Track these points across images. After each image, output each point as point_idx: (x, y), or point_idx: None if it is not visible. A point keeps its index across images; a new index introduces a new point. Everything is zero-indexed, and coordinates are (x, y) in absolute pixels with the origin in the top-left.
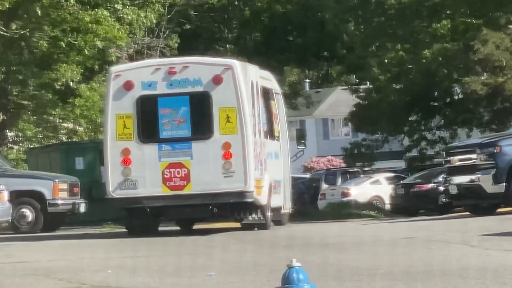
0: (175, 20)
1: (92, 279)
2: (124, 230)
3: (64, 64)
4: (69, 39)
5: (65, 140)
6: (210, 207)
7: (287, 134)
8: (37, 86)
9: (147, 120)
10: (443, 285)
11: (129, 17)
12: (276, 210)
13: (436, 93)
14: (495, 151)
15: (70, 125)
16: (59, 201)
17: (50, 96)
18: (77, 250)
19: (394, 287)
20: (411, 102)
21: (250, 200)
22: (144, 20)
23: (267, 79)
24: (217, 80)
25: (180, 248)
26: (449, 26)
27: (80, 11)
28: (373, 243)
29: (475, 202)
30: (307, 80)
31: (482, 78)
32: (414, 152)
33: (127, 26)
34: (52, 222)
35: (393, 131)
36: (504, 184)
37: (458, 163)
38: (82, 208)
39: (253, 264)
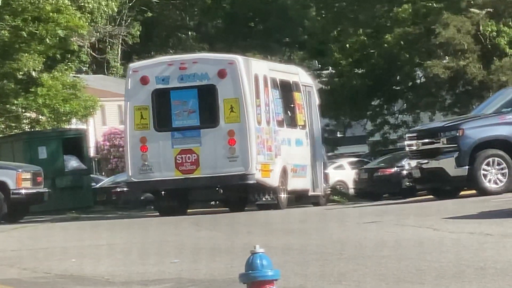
0: (136, 8)
1: (56, 268)
2: (87, 217)
3: (26, 54)
4: (31, 28)
5: (28, 129)
6: (217, 188)
7: (319, 124)
8: None
9: (161, 111)
10: (406, 268)
11: (90, 5)
12: (302, 193)
13: (398, 77)
14: (457, 134)
15: (33, 115)
16: (23, 191)
17: (12, 86)
18: (41, 240)
19: (358, 271)
20: (374, 86)
21: (251, 182)
22: (105, 9)
23: (290, 72)
24: (221, 74)
25: (145, 235)
26: (410, 10)
27: (41, 0)
28: (337, 227)
29: (438, 186)
30: None
31: (444, 61)
32: (377, 137)
33: (88, 15)
34: (16, 211)
35: (355, 115)
36: (467, 167)
37: (421, 147)
38: (46, 197)
39: (216, 250)
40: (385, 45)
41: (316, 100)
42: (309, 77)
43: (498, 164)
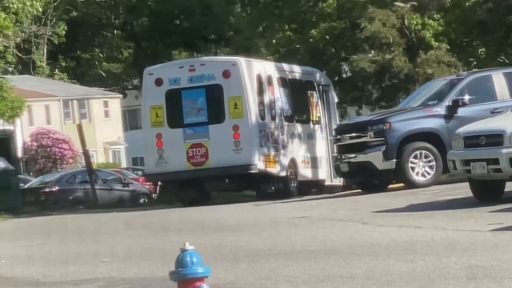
0: (61, 8)
1: None
2: (17, 220)
3: None
4: None
5: None
6: (226, 180)
7: (338, 119)
8: None
9: (174, 110)
10: (336, 262)
11: (15, 6)
12: (317, 183)
13: (324, 72)
14: (384, 128)
15: None
16: None
17: None
18: None
19: (289, 267)
20: None
21: (254, 171)
22: (30, 9)
23: (303, 73)
24: (226, 74)
25: (78, 235)
26: (335, 5)
27: None
28: (268, 223)
29: (367, 179)
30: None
31: (370, 55)
32: None
33: (13, 15)
34: None
35: None
36: (395, 160)
37: (348, 141)
38: None
39: (147, 249)
40: (311, 40)
41: (334, 98)
42: (326, 77)
43: (426, 156)
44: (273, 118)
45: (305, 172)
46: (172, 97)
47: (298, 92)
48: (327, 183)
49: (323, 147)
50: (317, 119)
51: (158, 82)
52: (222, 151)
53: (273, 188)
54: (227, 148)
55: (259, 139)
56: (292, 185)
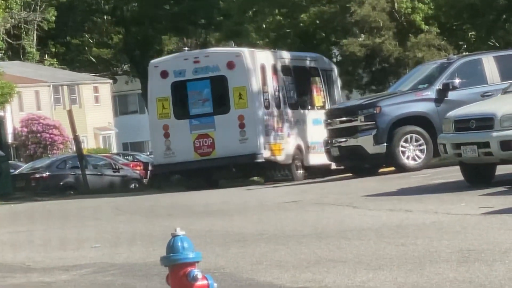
0: None
1: None
2: (8, 205)
3: None
4: None
5: None
6: (233, 169)
7: None
8: None
9: (180, 101)
10: (327, 247)
11: None
12: (324, 167)
13: None
14: (375, 112)
15: None
16: None
17: None
18: None
19: (279, 251)
20: None
21: (260, 160)
22: None
23: (307, 59)
24: (230, 65)
25: (68, 221)
26: None
27: None
28: (258, 208)
29: (357, 164)
30: (186, 49)
31: (360, 39)
32: None
33: (2, 1)
34: None
35: None
36: (385, 144)
37: (339, 126)
38: None
39: (138, 235)
40: (301, 24)
41: (338, 82)
42: (329, 61)
43: (416, 140)
44: (277, 106)
45: (311, 158)
46: (178, 89)
47: (302, 79)
48: (333, 167)
49: None
50: (322, 104)
51: (164, 74)
52: (228, 141)
53: (280, 175)
54: (233, 138)
55: (264, 128)
56: (299, 171)
